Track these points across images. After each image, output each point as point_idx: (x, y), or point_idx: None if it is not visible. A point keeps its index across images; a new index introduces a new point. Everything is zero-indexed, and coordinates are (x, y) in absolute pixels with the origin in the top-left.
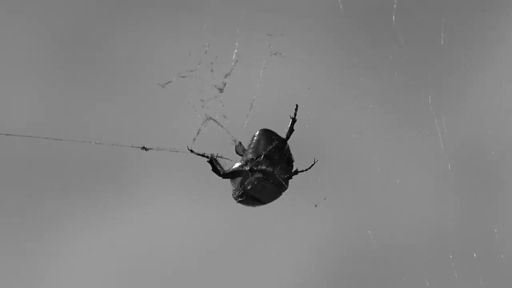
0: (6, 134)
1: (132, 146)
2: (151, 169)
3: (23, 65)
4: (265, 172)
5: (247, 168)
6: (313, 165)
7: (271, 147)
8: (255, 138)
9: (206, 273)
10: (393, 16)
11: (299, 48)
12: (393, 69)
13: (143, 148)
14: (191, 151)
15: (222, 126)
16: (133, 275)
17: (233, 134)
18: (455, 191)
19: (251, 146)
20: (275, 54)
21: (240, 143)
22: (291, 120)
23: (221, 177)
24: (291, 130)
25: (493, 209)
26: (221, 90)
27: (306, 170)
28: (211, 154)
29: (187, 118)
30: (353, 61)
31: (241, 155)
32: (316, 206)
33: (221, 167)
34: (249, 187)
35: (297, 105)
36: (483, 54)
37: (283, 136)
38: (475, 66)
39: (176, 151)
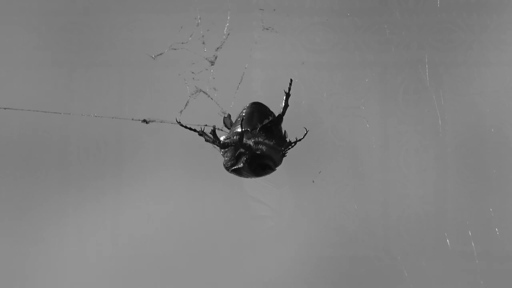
0: (4, 108)
1: (133, 119)
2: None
3: (4, 38)
4: (264, 143)
5: (244, 139)
6: (305, 135)
7: (267, 120)
8: (247, 110)
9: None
10: None
11: (291, 23)
12: (390, 43)
13: (144, 121)
14: (179, 123)
15: (212, 98)
16: (132, 266)
17: (223, 106)
18: (454, 172)
19: (244, 117)
20: (267, 29)
21: (229, 115)
22: (285, 95)
23: (217, 146)
24: (286, 106)
25: (492, 188)
26: (212, 63)
27: (300, 140)
28: (213, 126)
29: (178, 90)
30: (348, 36)
31: (229, 128)
32: (313, 181)
33: (216, 137)
34: (256, 153)
35: (291, 80)
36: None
37: (276, 111)
38: (477, 40)
39: (179, 123)
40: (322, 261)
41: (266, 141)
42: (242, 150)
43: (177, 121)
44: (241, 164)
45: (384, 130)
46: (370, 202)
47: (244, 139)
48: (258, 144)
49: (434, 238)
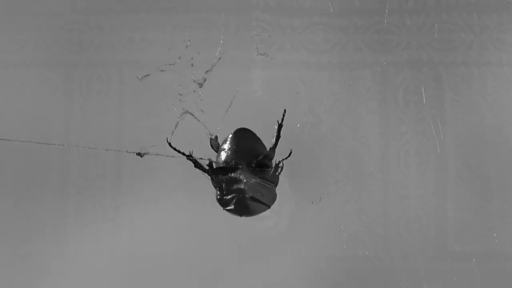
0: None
1: (127, 151)
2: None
3: None
4: (255, 184)
5: (234, 178)
6: (289, 155)
7: (260, 157)
8: (235, 139)
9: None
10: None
11: (291, 23)
12: (390, 43)
13: (138, 154)
14: (170, 144)
15: (198, 120)
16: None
17: (210, 129)
18: (454, 172)
19: (232, 147)
20: (261, 54)
21: (216, 137)
22: (277, 125)
23: (206, 174)
24: (278, 137)
25: (492, 188)
26: (200, 85)
27: (286, 158)
28: (209, 159)
29: (164, 112)
30: (348, 36)
31: (215, 150)
32: (312, 203)
33: (211, 170)
34: (246, 197)
35: (285, 110)
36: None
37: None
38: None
39: (173, 157)
40: (322, 261)
41: (257, 180)
42: (233, 191)
43: (167, 142)
44: (232, 206)
45: (384, 130)
46: (370, 202)
47: (234, 176)
48: (248, 185)
49: (434, 238)
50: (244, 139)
